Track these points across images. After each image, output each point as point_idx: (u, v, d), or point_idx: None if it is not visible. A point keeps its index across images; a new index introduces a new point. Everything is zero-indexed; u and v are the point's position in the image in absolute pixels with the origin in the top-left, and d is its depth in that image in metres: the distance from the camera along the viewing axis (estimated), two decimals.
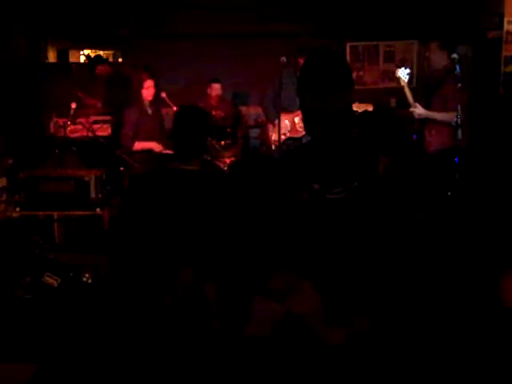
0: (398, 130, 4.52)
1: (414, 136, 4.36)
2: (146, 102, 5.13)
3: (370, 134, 1.84)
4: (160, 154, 4.94)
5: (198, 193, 2.67)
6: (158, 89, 5.26)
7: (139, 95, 5.10)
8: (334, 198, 1.73)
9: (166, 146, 5.02)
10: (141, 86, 5.08)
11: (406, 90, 4.28)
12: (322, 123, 1.84)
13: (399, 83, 4.30)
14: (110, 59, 7.76)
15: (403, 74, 4.28)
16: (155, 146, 5.05)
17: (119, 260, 2.82)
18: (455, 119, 4.11)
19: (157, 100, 5.31)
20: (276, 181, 1.85)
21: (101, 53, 7.62)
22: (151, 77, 5.13)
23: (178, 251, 2.59)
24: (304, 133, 5.39)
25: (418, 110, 4.28)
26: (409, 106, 4.33)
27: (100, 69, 6.44)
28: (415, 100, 4.34)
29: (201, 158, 2.89)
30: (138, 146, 5.01)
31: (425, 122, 4.35)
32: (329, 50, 1.91)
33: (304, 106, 1.89)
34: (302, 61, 5.31)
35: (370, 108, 4.73)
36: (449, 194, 3.70)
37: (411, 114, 4.31)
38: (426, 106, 4.34)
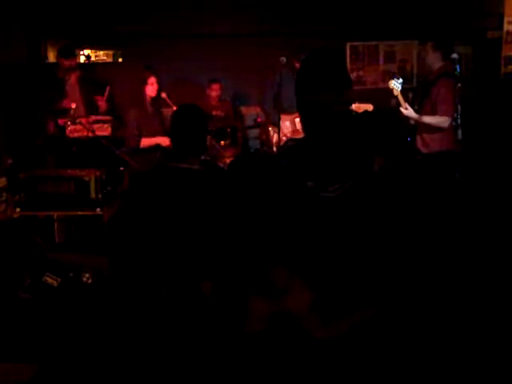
0: (395, 129, 4.54)
1: (408, 138, 4.38)
2: (149, 100, 5.17)
3: (365, 134, 1.85)
4: (161, 153, 4.95)
5: (197, 191, 2.67)
6: (159, 86, 5.29)
7: (142, 93, 5.14)
8: (328, 197, 1.74)
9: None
10: (145, 83, 5.13)
11: (400, 98, 4.30)
12: (320, 122, 1.85)
13: (393, 93, 4.33)
14: (110, 59, 7.74)
15: (396, 84, 4.30)
16: (162, 141, 5.06)
17: (119, 259, 2.83)
18: (445, 123, 4.13)
19: (158, 99, 5.34)
20: (272, 179, 1.86)
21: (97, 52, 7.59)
22: (153, 74, 5.18)
23: (177, 250, 2.60)
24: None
25: (406, 112, 4.28)
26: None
27: (67, 63, 5.85)
28: (412, 103, 4.36)
29: (200, 157, 2.90)
30: (145, 142, 5.04)
31: (417, 124, 4.37)
32: (327, 50, 1.92)
33: (301, 105, 1.90)
34: (296, 63, 5.34)
35: (370, 108, 4.73)
36: (445, 194, 3.72)
37: (401, 113, 4.33)
38: (420, 109, 4.35)
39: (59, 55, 6.01)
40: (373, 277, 1.75)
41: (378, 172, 1.78)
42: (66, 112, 5.45)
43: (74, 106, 5.32)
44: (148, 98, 5.16)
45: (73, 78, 5.91)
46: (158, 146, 5.06)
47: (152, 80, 5.15)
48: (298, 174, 1.78)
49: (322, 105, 1.84)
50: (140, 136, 5.04)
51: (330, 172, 1.77)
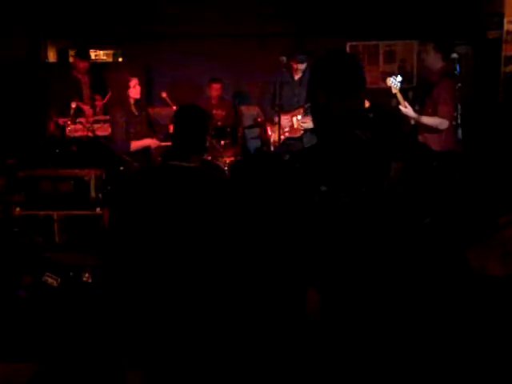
0: (399, 129, 4.54)
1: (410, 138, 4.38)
2: (132, 102, 5.02)
3: (382, 138, 1.81)
4: (159, 152, 4.91)
5: (198, 189, 2.67)
6: (142, 86, 5.19)
7: (125, 96, 4.98)
8: (341, 201, 1.71)
9: (161, 141, 5.04)
10: (127, 86, 4.98)
11: (399, 96, 4.30)
12: (335, 123, 1.82)
13: (391, 91, 4.32)
14: (110, 59, 7.74)
15: (394, 82, 4.29)
16: (151, 143, 5.02)
17: (117, 258, 2.82)
18: (444, 125, 4.13)
19: (141, 100, 5.21)
20: (284, 181, 1.83)
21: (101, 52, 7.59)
22: (134, 75, 5.04)
23: (178, 249, 2.59)
24: (303, 132, 5.40)
25: (405, 110, 4.27)
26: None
27: (82, 65, 6.08)
28: (413, 103, 4.36)
29: (200, 157, 2.90)
30: (135, 145, 4.91)
31: (417, 124, 4.37)
32: (342, 52, 1.90)
33: (316, 105, 1.87)
34: (294, 64, 5.36)
35: (366, 105, 4.73)
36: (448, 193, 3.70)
37: (400, 111, 4.32)
38: (421, 109, 4.35)
39: (75, 56, 6.11)
40: (386, 281, 1.74)
41: (393, 177, 1.75)
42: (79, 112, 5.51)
43: (74, 105, 5.33)
44: (132, 100, 5.01)
45: (86, 79, 5.98)
46: (146, 148, 5.02)
47: (134, 82, 4.99)
48: (311, 178, 1.75)
49: (338, 105, 1.81)
50: (128, 139, 4.93)
51: (343, 176, 1.74)
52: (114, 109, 5.09)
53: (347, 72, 1.83)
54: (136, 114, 5.02)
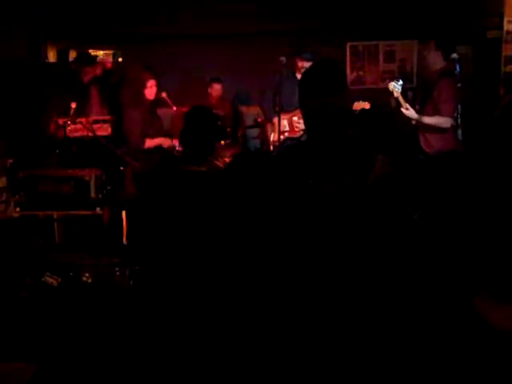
0: (396, 129, 4.55)
1: (411, 138, 4.39)
2: (148, 103, 5.15)
3: (367, 133, 1.89)
4: (167, 155, 4.96)
5: (208, 193, 2.72)
6: (158, 88, 5.28)
7: (142, 95, 5.11)
8: (327, 194, 1.78)
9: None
10: (144, 86, 5.09)
11: (400, 99, 4.35)
12: (322, 123, 1.89)
13: (393, 95, 4.35)
14: (110, 59, 7.73)
15: (396, 86, 4.33)
16: (164, 142, 5.10)
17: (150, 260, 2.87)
18: (447, 124, 4.14)
19: (156, 100, 5.32)
20: (272, 176, 1.91)
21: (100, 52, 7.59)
22: (153, 76, 5.15)
23: (194, 250, 2.63)
24: (302, 133, 5.39)
25: (407, 112, 4.30)
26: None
27: (89, 71, 6.13)
28: (412, 103, 4.37)
29: (207, 160, 2.94)
30: (148, 143, 5.03)
31: (418, 124, 4.38)
32: (326, 61, 2.08)
33: (305, 110, 1.98)
34: (299, 62, 5.33)
35: (367, 106, 4.75)
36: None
37: (402, 113, 4.35)
38: (421, 109, 4.36)
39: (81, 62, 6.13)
40: (367, 275, 1.76)
41: (379, 171, 1.81)
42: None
43: (74, 105, 5.33)
44: (148, 101, 5.14)
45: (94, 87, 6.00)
46: (158, 147, 5.07)
47: (151, 83, 5.10)
48: (298, 172, 1.83)
49: (322, 106, 1.88)
50: (143, 136, 5.04)
51: (329, 170, 1.81)
52: (130, 108, 5.17)
53: (327, 73, 1.96)
54: (149, 113, 5.12)
